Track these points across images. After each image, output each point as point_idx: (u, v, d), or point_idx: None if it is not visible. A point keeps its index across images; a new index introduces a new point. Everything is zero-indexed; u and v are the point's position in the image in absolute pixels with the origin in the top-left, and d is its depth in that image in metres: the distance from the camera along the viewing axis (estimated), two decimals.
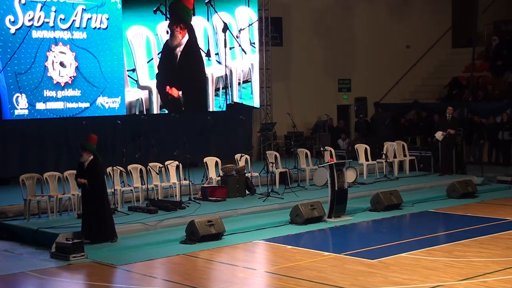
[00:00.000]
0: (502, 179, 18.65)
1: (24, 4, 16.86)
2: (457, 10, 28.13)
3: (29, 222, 13.49)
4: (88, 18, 17.84)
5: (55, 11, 17.29)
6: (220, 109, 20.50)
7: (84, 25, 17.78)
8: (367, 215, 14.97)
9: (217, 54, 20.32)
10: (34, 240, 12.65)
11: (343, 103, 25.68)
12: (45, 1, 17.02)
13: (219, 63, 20.34)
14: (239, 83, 20.93)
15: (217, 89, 20.45)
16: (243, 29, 20.84)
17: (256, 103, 21.48)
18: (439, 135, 19.11)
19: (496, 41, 26.47)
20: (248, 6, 21.10)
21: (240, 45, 20.74)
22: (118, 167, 14.72)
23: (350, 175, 17.02)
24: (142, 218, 13.51)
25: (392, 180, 18.30)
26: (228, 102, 20.47)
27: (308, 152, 18.55)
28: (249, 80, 21.22)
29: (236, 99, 20.88)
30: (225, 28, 20.00)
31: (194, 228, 12.56)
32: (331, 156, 17.96)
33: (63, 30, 17.47)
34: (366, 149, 19.08)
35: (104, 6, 18.09)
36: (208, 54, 20.10)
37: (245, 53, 20.93)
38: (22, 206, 13.83)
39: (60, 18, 17.39)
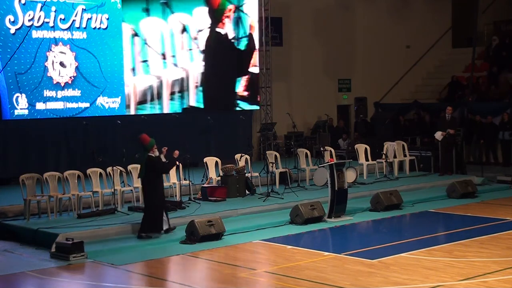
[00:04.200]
0: (502, 179, 18.65)
1: (24, 4, 16.86)
2: (457, 10, 28.13)
3: (29, 222, 13.50)
4: (88, 18, 17.84)
5: (55, 11, 17.29)
6: (175, 112, 19.64)
7: (84, 25, 17.78)
8: (367, 215, 14.97)
9: (173, 56, 19.49)
10: (34, 240, 12.65)
11: (343, 103, 25.68)
12: (45, 1, 17.02)
13: (176, 65, 19.57)
14: (196, 86, 19.97)
15: (172, 93, 19.49)
16: (202, 30, 20.03)
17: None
18: (438, 135, 19.10)
19: (496, 41, 26.47)
20: (207, 6, 20.17)
21: (198, 47, 19.89)
22: (118, 167, 14.72)
23: (350, 175, 17.02)
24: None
25: (392, 180, 18.30)
26: (184, 106, 19.68)
27: (308, 152, 18.55)
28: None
29: (193, 103, 19.91)
30: (183, 29, 19.45)
31: (194, 228, 12.56)
32: (331, 156, 17.96)
33: (63, 30, 17.47)
34: (366, 149, 19.08)
35: (104, 6, 18.09)
36: (164, 57, 19.35)
37: (204, 54, 20.06)
38: (22, 206, 13.83)
39: (60, 18, 17.39)
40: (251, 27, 21.03)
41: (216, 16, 20.37)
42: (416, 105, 24.74)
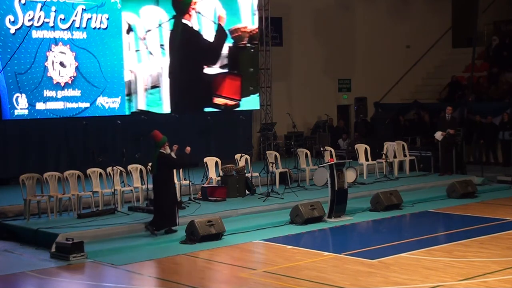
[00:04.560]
0: (502, 179, 18.64)
1: (24, 4, 16.87)
2: (457, 10, 28.13)
3: (29, 222, 13.50)
4: (88, 18, 17.84)
5: (55, 11, 17.29)
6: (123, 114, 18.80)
7: (84, 25, 17.78)
8: (367, 215, 14.97)
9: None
10: (34, 240, 12.65)
11: (343, 103, 25.69)
12: (45, 1, 17.02)
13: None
14: (145, 89, 19.08)
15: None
16: (150, 30, 19.12)
17: (166, 110, 19.34)
18: (438, 135, 19.10)
19: (496, 41, 26.47)
20: (158, 5, 19.21)
21: (147, 48, 19.00)
22: (118, 167, 14.72)
23: (350, 175, 17.02)
24: (142, 218, 13.51)
25: (392, 180, 18.30)
26: (132, 110, 18.75)
27: (308, 152, 18.55)
28: (157, 85, 19.24)
29: (142, 106, 18.96)
30: (129, 29, 18.59)
31: (194, 228, 12.56)
32: (331, 156, 17.96)
33: (63, 30, 17.47)
34: (366, 149, 19.07)
35: (104, 6, 18.10)
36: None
37: (153, 55, 19.17)
38: (22, 206, 13.83)
39: (60, 18, 17.40)
40: (219, 17, 20.30)
41: (182, 8, 19.59)
42: (416, 105, 24.74)
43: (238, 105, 20.80)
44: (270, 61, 22.33)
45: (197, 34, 20.01)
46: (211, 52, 20.34)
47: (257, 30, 21.20)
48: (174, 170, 14.22)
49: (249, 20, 20.95)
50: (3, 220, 13.74)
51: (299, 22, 24.17)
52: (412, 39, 27.13)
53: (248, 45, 21.02)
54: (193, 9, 19.89)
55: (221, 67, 20.50)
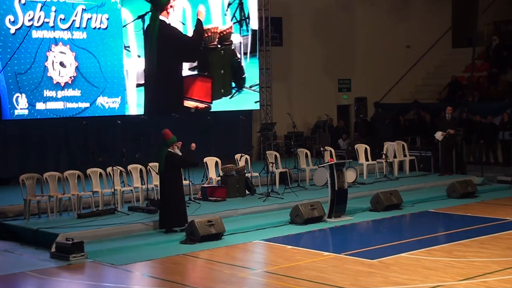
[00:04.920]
0: (502, 179, 18.65)
1: (24, 4, 16.86)
2: (457, 10, 28.13)
3: (29, 222, 13.49)
4: (88, 18, 17.84)
5: (55, 11, 17.29)
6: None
7: (84, 25, 17.77)
8: (367, 215, 14.97)
9: None
10: (34, 240, 12.65)
11: (343, 103, 25.69)
12: (45, 1, 17.02)
13: None
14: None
15: None
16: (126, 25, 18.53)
17: (133, 111, 18.75)
18: (438, 135, 19.10)
19: (496, 41, 26.48)
20: (122, 5, 18.44)
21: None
22: (118, 167, 14.72)
23: (350, 175, 17.02)
24: (142, 218, 13.52)
25: (392, 180, 18.30)
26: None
27: (308, 152, 18.55)
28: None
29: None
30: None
31: (194, 228, 12.56)
32: (331, 156, 17.96)
33: (63, 30, 17.47)
34: (366, 149, 19.07)
35: (104, 6, 18.09)
36: None
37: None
38: (22, 206, 13.82)
39: (60, 18, 17.39)
40: (198, 12, 19.78)
41: (160, 2, 19.07)
42: (416, 105, 24.75)
43: (209, 108, 20.14)
44: (270, 61, 22.33)
45: (174, 30, 19.38)
46: (189, 48, 19.73)
47: (228, 30, 20.50)
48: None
49: (219, 21, 20.40)
50: (3, 220, 13.73)
51: (299, 22, 24.17)
52: (412, 39, 27.13)
53: (219, 46, 20.41)
54: (171, 6, 19.28)
55: (191, 69, 19.97)
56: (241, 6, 20.54)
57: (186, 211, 13.25)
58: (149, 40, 18.96)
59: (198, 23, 19.97)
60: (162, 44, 19.20)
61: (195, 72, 20.02)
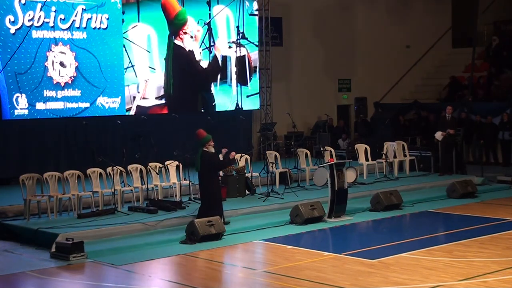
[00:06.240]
0: (502, 179, 18.66)
1: (24, 4, 16.86)
2: (457, 10, 28.09)
3: (29, 222, 13.49)
4: (88, 18, 17.84)
5: (55, 11, 17.29)
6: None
7: (84, 25, 17.78)
8: (367, 215, 14.97)
9: None
10: (34, 240, 12.65)
11: (343, 103, 25.68)
12: (45, 1, 17.02)
13: None
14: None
15: None
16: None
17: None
18: (438, 135, 19.10)
19: (496, 41, 26.48)
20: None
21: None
22: (118, 167, 14.72)
23: (350, 175, 17.02)
24: (142, 218, 13.51)
25: (392, 180, 18.30)
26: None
27: (308, 152, 18.55)
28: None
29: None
30: None
31: (194, 228, 12.56)
32: (331, 156, 17.96)
33: (63, 30, 17.47)
34: (366, 149, 19.07)
35: (104, 6, 18.09)
36: None
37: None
38: (22, 206, 13.83)
39: (60, 18, 17.40)
40: (215, 47, 20.21)
41: (173, 28, 19.44)
42: (416, 105, 24.75)
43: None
44: (270, 61, 22.33)
45: (187, 57, 19.73)
46: (202, 79, 20.13)
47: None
48: None
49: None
50: (3, 220, 13.73)
51: (299, 22, 24.16)
52: (412, 39, 27.13)
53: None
54: (185, 33, 19.57)
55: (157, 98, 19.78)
56: (210, 32, 20.24)
57: (221, 207, 13.44)
58: (166, 62, 19.34)
59: (214, 59, 20.25)
60: (177, 70, 19.51)
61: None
